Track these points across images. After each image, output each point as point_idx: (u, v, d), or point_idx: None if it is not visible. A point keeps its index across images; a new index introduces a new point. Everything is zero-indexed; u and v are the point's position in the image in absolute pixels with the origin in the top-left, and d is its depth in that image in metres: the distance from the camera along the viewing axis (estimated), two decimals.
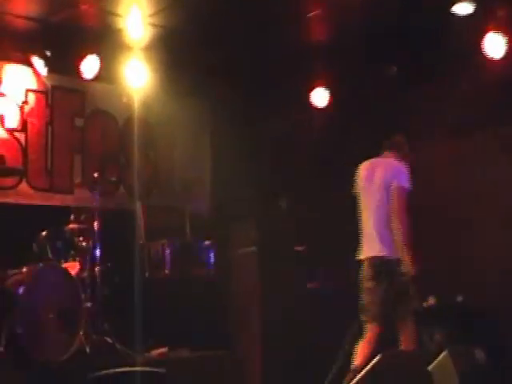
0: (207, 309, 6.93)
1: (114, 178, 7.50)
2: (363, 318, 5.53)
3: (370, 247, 5.55)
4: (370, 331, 5.46)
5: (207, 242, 7.19)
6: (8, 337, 5.38)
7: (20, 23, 6.66)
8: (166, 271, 6.94)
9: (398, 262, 5.33)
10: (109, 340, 6.17)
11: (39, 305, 5.61)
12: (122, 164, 7.94)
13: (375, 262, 5.48)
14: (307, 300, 6.95)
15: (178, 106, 7.98)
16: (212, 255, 7.13)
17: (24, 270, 5.82)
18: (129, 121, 7.93)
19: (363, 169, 5.80)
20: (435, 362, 4.93)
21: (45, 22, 6.66)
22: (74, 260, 6.33)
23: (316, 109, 7.95)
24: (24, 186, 7.16)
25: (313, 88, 7.90)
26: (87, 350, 5.87)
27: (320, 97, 7.92)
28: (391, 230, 5.39)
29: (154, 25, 6.76)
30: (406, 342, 5.38)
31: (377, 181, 5.62)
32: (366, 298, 5.51)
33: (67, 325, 5.73)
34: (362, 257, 5.60)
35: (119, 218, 7.33)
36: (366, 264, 5.55)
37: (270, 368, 6.68)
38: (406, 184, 5.48)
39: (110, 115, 7.91)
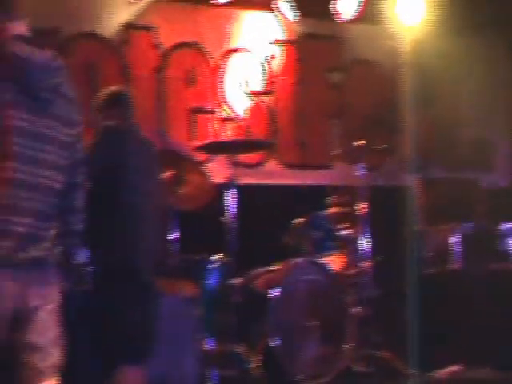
0: None
1: (381, 147, 7.40)
2: None
3: None
4: None
5: (510, 226, 6.82)
6: (261, 349, 5.52)
7: None
8: (454, 265, 6.73)
9: None
10: (383, 355, 6.07)
11: (297, 310, 5.68)
12: (391, 127, 7.81)
13: None
14: None
15: (464, 47, 7.58)
16: None
17: (276, 267, 5.92)
18: (399, 71, 7.72)
19: None
20: None
21: None
22: (337, 253, 6.34)
23: None
24: (272, 162, 7.32)
25: None
26: (356, 368, 5.83)
27: None
28: None
29: None
30: None
31: None
32: None
33: (331, 336, 5.74)
34: None
35: (389, 197, 7.16)
36: None
37: None
38: None
39: (374, 65, 7.79)
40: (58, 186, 3.07)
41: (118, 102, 4.50)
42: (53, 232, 3.12)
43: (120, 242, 4.27)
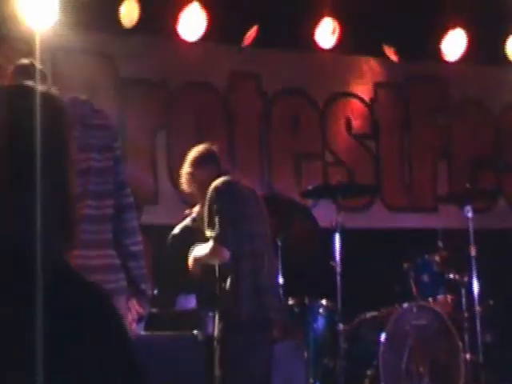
0: None
1: (490, 189, 7.28)
2: None
3: None
4: None
5: None
6: None
7: None
8: None
9: None
10: None
11: (405, 356, 5.59)
12: (500, 168, 7.67)
13: None
14: None
15: None
16: None
17: (383, 311, 5.86)
18: (509, 109, 7.65)
19: None
20: None
21: None
22: (445, 297, 6.21)
23: None
24: (378, 205, 7.25)
25: None
26: None
27: None
28: None
29: None
30: None
31: None
32: None
33: (442, 382, 5.63)
34: None
35: (500, 240, 7.02)
36: None
37: None
38: None
39: (481, 104, 7.67)
40: (110, 211, 3.13)
41: (212, 158, 4.63)
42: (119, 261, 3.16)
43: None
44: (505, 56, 7.33)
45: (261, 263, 4.45)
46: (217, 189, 4.43)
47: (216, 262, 4.44)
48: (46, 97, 1.65)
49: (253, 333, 4.35)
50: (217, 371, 4.37)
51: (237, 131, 6.96)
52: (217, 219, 4.35)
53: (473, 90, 7.61)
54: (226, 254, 4.36)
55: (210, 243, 4.39)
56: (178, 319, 5.18)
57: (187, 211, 4.84)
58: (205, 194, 4.47)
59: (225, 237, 4.34)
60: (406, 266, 6.19)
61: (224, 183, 4.48)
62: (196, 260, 4.55)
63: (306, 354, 5.49)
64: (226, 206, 4.41)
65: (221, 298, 4.47)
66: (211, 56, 6.79)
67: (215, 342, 4.44)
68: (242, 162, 6.76)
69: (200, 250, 4.51)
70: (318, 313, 5.67)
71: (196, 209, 4.77)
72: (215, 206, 4.39)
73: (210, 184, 4.47)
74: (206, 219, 4.43)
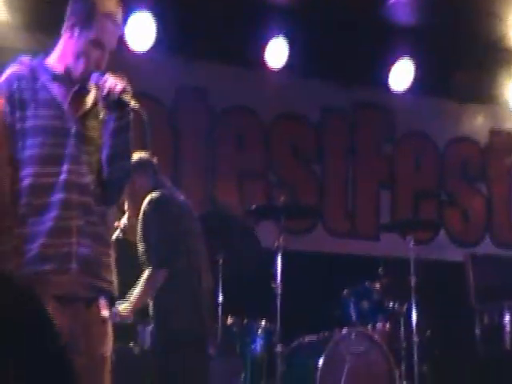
0: None
1: (433, 219, 7.34)
2: None
3: None
4: None
5: None
6: None
7: None
8: (507, 345, 6.56)
9: None
10: None
11: (342, 381, 5.54)
12: (442, 200, 7.74)
13: None
14: None
15: None
16: None
17: (322, 335, 5.81)
18: (453, 143, 7.78)
19: None
20: None
21: None
22: (384, 325, 6.20)
23: None
24: (320, 229, 7.24)
25: None
26: None
27: None
28: None
29: None
30: None
31: None
32: None
33: None
34: None
35: (441, 271, 7.05)
36: None
37: None
38: None
39: (425, 137, 7.75)
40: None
41: (149, 167, 4.60)
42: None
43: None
44: (451, 89, 7.42)
45: (197, 280, 4.37)
46: (152, 203, 4.36)
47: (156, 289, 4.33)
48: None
49: (189, 349, 4.28)
50: None
51: (182, 145, 6.86)
52: (152, 236, 4.30)
53: (418, 121, 7.67)
54: (165, 275, 4.27)
55: (145, 275, 4.32)
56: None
57: (115, 224, 4.68)
58: (136, 203, 4.39)
59: (160, 257, 4.30)
60: (346, 291, 6.17)
61: (160, 197, 4.40)
62: (137, 305, 4.40)
63: (242, 375, 5.40)
64: (161, 221, 4.34)
65: (157, 313, 4.37)
66: (159, 69, 6.71)
67: (151, 356, 4.34)
68: (187, 176, 6.68)
69: (137, 292, 4.36)
70: (257, 334, 5.59)
71: (124, 220, 4.64)
72: (150, 221, 4.31)
73: (143, 195, 4.39)
74: (139, 232, 4.36)
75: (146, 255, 4.32)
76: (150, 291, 4.36)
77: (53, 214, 2.86)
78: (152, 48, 6.57)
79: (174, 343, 4.29)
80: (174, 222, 4.41)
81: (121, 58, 6.48)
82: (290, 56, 6.91)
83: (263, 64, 6.95)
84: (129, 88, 2.95)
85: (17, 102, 2.94)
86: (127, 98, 2.93)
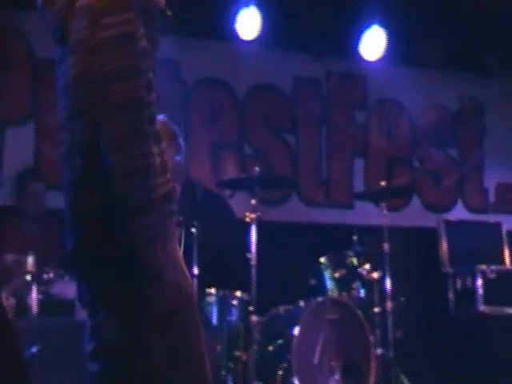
0: None
1: (405, 186, 7.37)
2: None
3: None
4: None
5: None
6: None
7: None
8: (479, 308, 6.64)
9: None
10: None
11: (318, 349, 5.59)
12: (415, 167, 7.80)
13: None
14: None
15: None
16: None
17: (297, 304, 5.85)
18: (425, 110, 7.80)
19: None
20: None
21: None
22: (358, 293, 6.24)
23: None
24: (295, 199, 7.27)
25: None
26: None
27: None
28: None
29: None
30: None
31: None
32: None
33: (354, 377, 5.63)
34: None
35: (414, 238, 7.12)
36: None
37: None
38: None
39: (398, 105, 7.78)
40: None
41: None
42: None
43: None
44: (423, 57, 7.42)
45: None
46: None
47: None
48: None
49: None
50: None
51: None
52: None
53: (390, 90, 7.67)
54: None
55: None
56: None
57: None
58: None
59: None
60: (321, 260, 6.21)
61: None
62: None
63: (218, 346, 5.43)
64: None
65: None
66: None
67: None
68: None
69: None
70: (232, 304, 5.62)
71: None
72: None
73: None
74: None
75: None
76: None
77: None
78: None
79: None
80: None
81: None
82: (262, 27, 6.86)
83: (235, 35, 6.90)
84: None
85: None
86: None
